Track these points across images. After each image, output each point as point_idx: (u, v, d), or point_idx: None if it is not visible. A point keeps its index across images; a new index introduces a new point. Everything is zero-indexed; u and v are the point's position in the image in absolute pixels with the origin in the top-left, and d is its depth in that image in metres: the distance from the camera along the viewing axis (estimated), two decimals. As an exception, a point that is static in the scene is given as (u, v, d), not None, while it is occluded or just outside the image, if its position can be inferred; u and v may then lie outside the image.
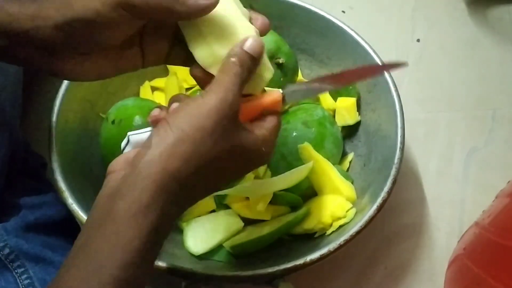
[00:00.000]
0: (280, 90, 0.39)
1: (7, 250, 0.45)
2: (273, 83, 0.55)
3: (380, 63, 0.54)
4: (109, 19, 0.35)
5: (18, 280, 0.45)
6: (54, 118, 0.51)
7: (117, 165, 0.34)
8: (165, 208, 0.32)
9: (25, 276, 0.45)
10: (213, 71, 0.37)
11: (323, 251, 0.46)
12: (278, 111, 0.39)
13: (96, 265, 0.30)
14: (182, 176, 0.32)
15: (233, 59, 0.35)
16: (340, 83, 0.43)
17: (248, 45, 0.36)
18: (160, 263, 0.45)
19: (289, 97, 0.39)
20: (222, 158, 0.34)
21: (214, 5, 0.35)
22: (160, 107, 0.37)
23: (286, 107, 0.40)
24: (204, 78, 0.38)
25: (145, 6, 0.34)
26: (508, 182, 0.53)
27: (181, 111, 0.34)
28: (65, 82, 0.53)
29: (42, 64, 0.37)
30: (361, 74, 0.46)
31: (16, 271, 0.45)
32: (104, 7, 0.34)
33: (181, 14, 0.35)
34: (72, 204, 0.47)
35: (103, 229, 0.31)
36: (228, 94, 0.34)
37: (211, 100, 0.33)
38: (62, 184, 0.48)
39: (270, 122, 0.38)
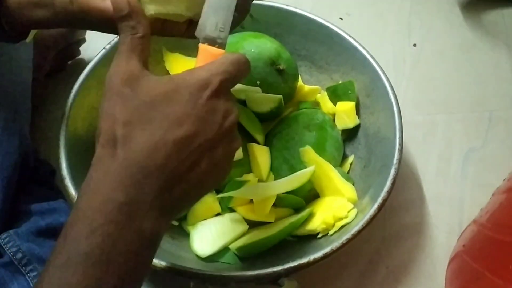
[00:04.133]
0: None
1: (20, 255, 0.47)
2: (273, 89, 0.57)
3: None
4: None
5: (31, 283, 0.46)
6: (63, 126, 0.52)
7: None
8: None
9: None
10: None
11: (326, 250, 0.47)
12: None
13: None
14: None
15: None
16: None
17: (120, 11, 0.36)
18: (170, 265, 0.46)
19: (208, 33, 0.38)
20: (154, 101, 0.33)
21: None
22: None
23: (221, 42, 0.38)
24: None
25: None
26: (504, 180, 0.54)
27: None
28: (73, 91, 0.54)
29: None
30: None
31: (28, 275, 0.46)
32: None
33: None
34: (82, 209, 0.48)
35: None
36: (114, 68, 0.35)
37: (107, 78, 0.35)
38: (72, 191, 0.49)
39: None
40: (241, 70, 0.37)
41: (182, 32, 0.42)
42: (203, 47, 0.38)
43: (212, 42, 0.38)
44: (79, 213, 0.32)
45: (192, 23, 0.42)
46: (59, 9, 0.39)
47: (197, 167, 0.34)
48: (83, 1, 0.39)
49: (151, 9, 0.39)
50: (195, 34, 0.39)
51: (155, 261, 0.46)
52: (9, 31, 0.41)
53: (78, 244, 0.31)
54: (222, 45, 0.38)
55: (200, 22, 0.39)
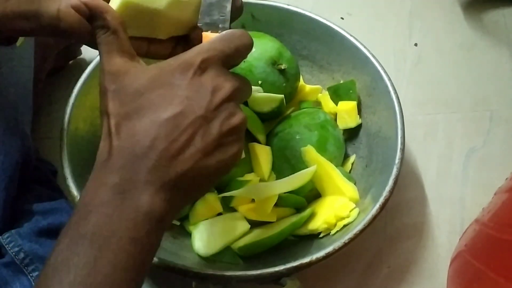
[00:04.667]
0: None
1: (22, 255, 0.47)
2: (275, 89, 0.58)
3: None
4: None
5: (33, 283, 0.46)
6: (65, 126, 0.52)
7: None
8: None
9: (40, 279, 0.46)
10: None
11: (328, 249, 0.47)
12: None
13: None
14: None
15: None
16: None
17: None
18: (172, 265, 0.46)
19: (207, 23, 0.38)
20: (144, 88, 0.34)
21: None
22: None
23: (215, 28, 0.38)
24: None
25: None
26: (506, 179, 0.54)
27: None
28: (75, 91, 0.55)
29: (48, 2, 0.38)
30: None
31: (31, 274, 0.47)
32: None
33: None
34: (84, 208, 0.48)
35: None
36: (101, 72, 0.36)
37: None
38: (74, 190, 0.49)
39: None
40: (235, 45, 0.36)
41: (168, 51, 0.42)
42: (205, 34, 0.38)
43: (215, 28, 0.38)
44: (79, 204, 0.33)
45: (178, 44, 0.42)
46: (45, 24, 0.38)
47: (191, 146, 0.34)
48: (72, 20, 0.38)
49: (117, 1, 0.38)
50: (197, 23, 0.39)
51: (157, 260, 0.47)
52: None
53: (78, 226, 0.32)
54: (225, 30, 0.38)
55: (201, 10, 0.39)
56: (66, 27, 0.38)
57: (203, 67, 0.34)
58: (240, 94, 0.36)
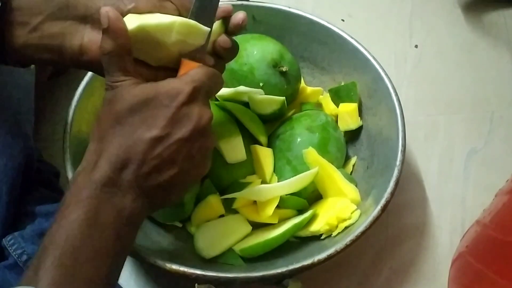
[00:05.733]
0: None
1: (25, 257, 0.47)
2: (277, 91, 0.58)
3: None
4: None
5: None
6: (68, 128, 0.53)
7: None
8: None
9: (43, 281, 0.46)
10: None
11: (330, 251, 0.47)
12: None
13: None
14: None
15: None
16: None
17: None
18: (174, 267, 0.47)
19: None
20: (129, 111, 0.38)
21: None
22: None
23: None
24: None
25: None
26: (507, 180, 0.55)
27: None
28: (77, 94, 0.55)
29: (73, 38, 0.41)
30: None
31: (33, 277, 0.47)
32: None
33: None
34: (87, 211, 0.48)
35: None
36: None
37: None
38: (76, 192, 0.49)
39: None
40: (215, 81, 0.42)
41: (152, 76, 0.42)
42: (185, 62, 0.41)
43: (192, 57, 0.42)
44: (70, 190, 0.38)
45: (160, 69, 0.43)
46: (67, 57, 0.41)
47: (174, 163, 0.39)
48: (95, 54, 0.41)
49: (133, 23, 0.40)
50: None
51: (160, 262, 0.47)
52: (11, 64, 0.43)
53: (68, 213, 0.36)
54: (201, 60, 0.42)
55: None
56: (88, 60, 0.41)
57: (191, 96, 0.39)
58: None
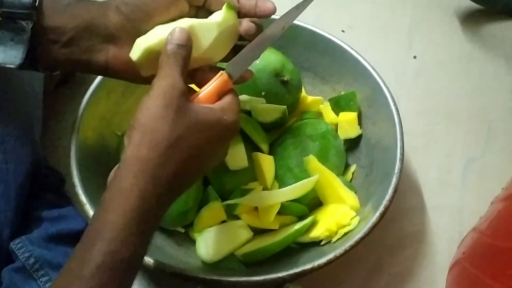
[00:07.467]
0: (224, 71, 0.43)
1: (32, 260, 0.48)
2: (278, 100, 0.59)
3: (292, 8, 0.48)
4: (160, 4, 0.43)
5: (42, 288, 0.47)
6: (74, 134, 0.54)
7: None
8: (145, 189, 0.37)
9: (49, 284, 0.47)
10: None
11: (330, 256, 0.48)
12: (231, 88, 0.43)
13: (88, 242, 0.36)
14: (153, 159, 0.37)
15: (166, 53, 0.40)
16: (268, 38, 0.45)
17: (175, 37, 0.40)
18: (176, 270, 0.48)
19: (233, 71, 0.43)
20: (186, 136, 0.38)
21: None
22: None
23: (235, 79, 0.44)
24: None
25: None
26: (503, 188, 0.56)
27: (139, 108, 0.39)
28: (84, 101, 0.56)
29: (99, 55, 0.44)
30: (282, 22, 0.46)
31: (40, 279, 0.48)
32: None
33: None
34: (93, 215, 0.50)
35: (95, 215, 0.37)
36: (169, 80, 0.39)
37: (156, 90, 0.39)
38: (83, 198, 0.50)
39: (226, 98, 0.43)
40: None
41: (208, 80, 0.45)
42: (224, 76, 0.43)
43: (231, 77, 0.43)
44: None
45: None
46: (94, 69, 0.45)
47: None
48: (118, 68, 0.44)
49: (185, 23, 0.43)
50: (227, 65, 0.44)
51: (163, 266, 0.48)
52: (41, 71, 0.46)
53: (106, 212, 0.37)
54: (233, 79, 0.44)
55: (234, 59, 0.44)
56: (112, 72, 0.45)
57: (234, 127, 0.42)
58: None
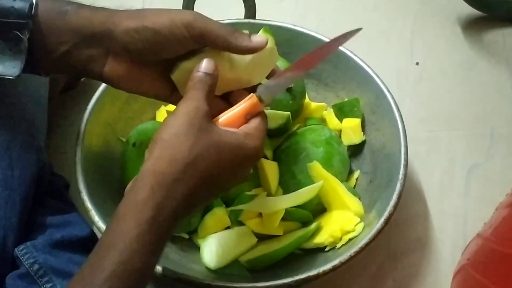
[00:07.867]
0: (255, 93, 0.44)
1: (36, 266, 0.48)
2: (282, 106, 0.59)
3: (334, 39, 0.50)
4: (172, 35, 0.42)
5: (46, 294, 0.47)
6: (79, 141, 0.54)
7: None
8: (161, 202, 0.37)
9: (53, 290, 0.47)
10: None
11: (335, 262, 0.48)
12: (260, 111, 0.44)
13: (102, 251, 0.36)
14: (170, 174, 0.38)
15: (193, 79, 0.42)
16: (307, 66, 0.47)
17: (202, 67, 0.42)
18: (181, 277, 0.48)
19: (265, 95, 0.44)
20: (205, 156, 0.39)
21: (261, 47, 0.43)
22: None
23: (267, 103, 0.45)
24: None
25: (207, 33, 0.42)
26: (507, 194, 0.56)
27: (162, 125, 0.40)
28: (89, 107, 0.56)
29: (95, 66, 0.44)
30: (322, 52, 0.49)
31: (44, 286, 0.47)
32: (172, 23, 0.42)
33: (233, 49, 0.43)
34: (98, 222, 0.50)
35: (109, 224, 0.38)
36: (193, 102, 0.40)
37: (180, 110, 0.40)
38: (88, 203, 0.51)
39: (253, 121, 0.43)
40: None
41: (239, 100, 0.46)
42: (254, 99, 0.44)
43: (262, 100, 0.44)
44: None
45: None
46: (91, 75, 0.46)
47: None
48: (112, 79, 0.45)
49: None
50: (258, 88, 0.45)
51: (167, 272, 0.48)
52: (43, 76, 0.47)
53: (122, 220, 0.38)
54: (264, 103, 0.45)
55: (266, 83, 0.45)
56: (106, 81, 0.46)
57: (256, 153, 0.43)
58: None
